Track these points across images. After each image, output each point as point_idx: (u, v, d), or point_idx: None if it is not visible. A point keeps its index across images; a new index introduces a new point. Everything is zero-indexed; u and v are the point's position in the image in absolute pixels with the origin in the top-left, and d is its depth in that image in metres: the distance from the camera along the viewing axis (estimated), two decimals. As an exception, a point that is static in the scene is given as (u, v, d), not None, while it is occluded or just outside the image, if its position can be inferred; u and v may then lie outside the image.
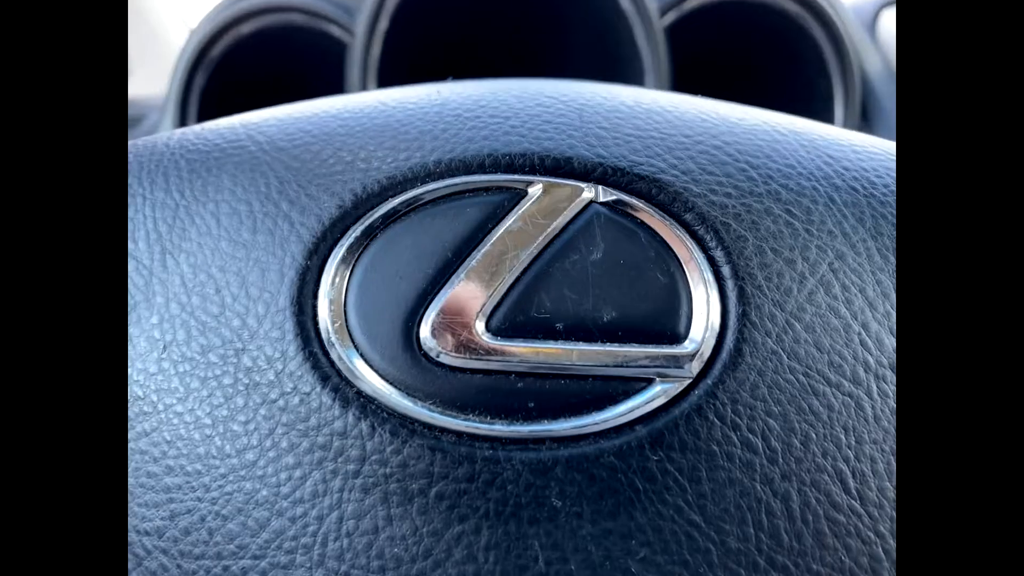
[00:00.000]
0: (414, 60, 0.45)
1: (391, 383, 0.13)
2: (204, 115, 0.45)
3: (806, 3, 0.41)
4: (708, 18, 0.43)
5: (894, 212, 0.16)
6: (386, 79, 0.44)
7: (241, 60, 0.44)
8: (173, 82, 0.45)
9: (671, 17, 0.42)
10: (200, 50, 0.42)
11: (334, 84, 0.45)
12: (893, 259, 0.15)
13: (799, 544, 0.13)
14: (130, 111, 0.62)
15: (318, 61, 0.44)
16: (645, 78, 0.42)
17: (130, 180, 0.16)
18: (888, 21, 0.46)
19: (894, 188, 0.16)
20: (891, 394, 0.14)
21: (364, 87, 0.42)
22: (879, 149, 0.17)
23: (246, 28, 0.42)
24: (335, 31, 0.43)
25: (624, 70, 0.44)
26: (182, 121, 0.44)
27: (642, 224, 0.14)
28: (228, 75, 0.44)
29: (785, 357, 0.13)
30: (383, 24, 0.41)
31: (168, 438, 0.14)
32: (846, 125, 0.43)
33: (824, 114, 0.44)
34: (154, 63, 0.70)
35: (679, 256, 0.14)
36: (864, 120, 0.44)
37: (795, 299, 0.14)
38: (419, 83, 0.38)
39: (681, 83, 0.49)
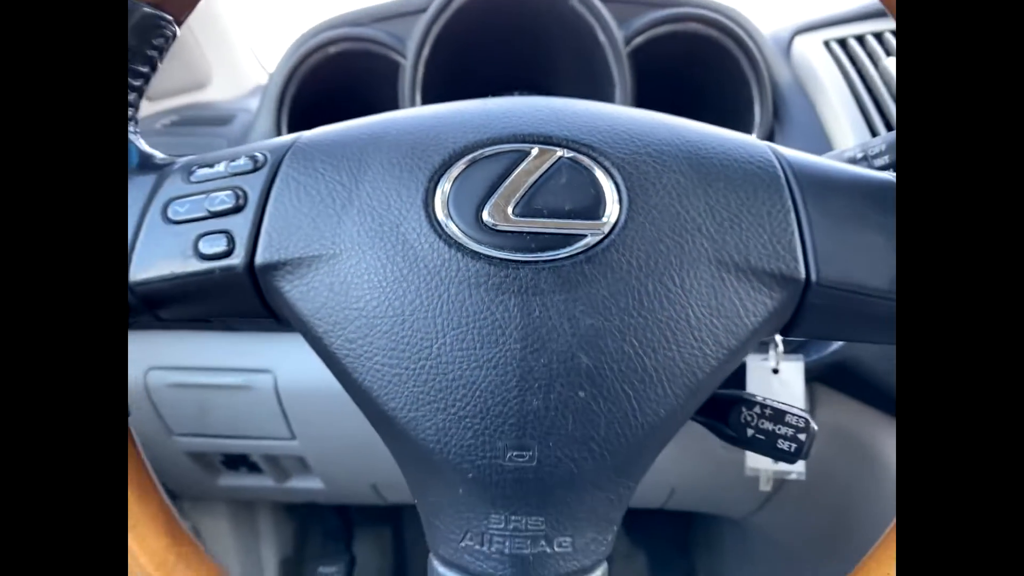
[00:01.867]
0: (447, 77, 0.61)
1: (469, 237, 0.29)
2: (293, 117, 0.61)
3: (729, 33, 0.57)
4: (660, 45, 0.59)
5: (709, 161, 0.31)
6: (428, 88, 0.60)
7: (323, 74, 0.60)
8: (269, 92, 0.61)
9: (634, 45, 0.58)
10: (294, 67, 0.58)
11: (388, 93, 0.61)
12: (704, 184, 0.30)
13: (665, 306, 0.28)
14: (217, 112, 0.78)
15: (379, 75, 0.60)
16: (616, 90, 0.58)
17: (318, 154, 0.30)
18: (799, 44, 0.62)
19: (716, 152, 0.31)
20: (703, 241, 0.29)
21: (413, 95, 0.58)
22: (718, 134, 0.32)
23: (331, 50, 0.58)
24: (393, 55, 0.59)
25: (601, 82, 0.60)
26: (278, 122, 0.60)
27: (584, 167, 0.29)
28: (312, 86, 0.60)
29: (649, 226, 0.29)
30: (426, 52, 0.57)
31: (359, 270, 0.29)
32: (761, 124, 0.59)
33: (747, 115, 0.60)
34: (228, 71, 0.85)
35: (599, 180, 0.29)
36: (776, 119, 0.59)
37: (654, 200, 0.29)
38: (452, 92, 0.55)
39: (643, 93, 0.65)
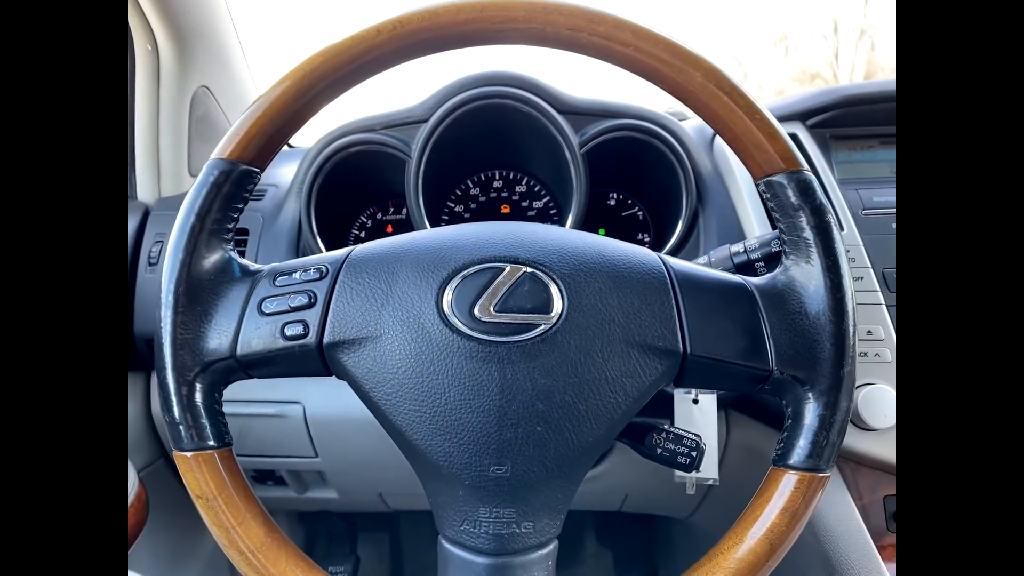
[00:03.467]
0: (443, 166, 0.77)
1: (465, 326, 0.43)
2: (319, 200, 0.76)
3: (658, 137, 0.74)
4: (610, 145, 0.75)
5: (621, 272, 0.47)
6: (428, 176, 0.76)
7: (341, 168, 0.75)
8: (297, 180, 0.76)
9: (588, 147, 0.75)
10: (320, 165, 0.74)
11: (393, 177, 0.77)
12: (618, 289, 0.46)
13: (595, 377, 0.44)
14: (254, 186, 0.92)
15: (388, 167, 0.76)
16: (573, 181, 0.74)
17: (364, 266, 0.46)
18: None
19: (626, 265, 0.47)
20: (617, 328, 0.45)
21: (416, 185, 0.74)
22: (628, 251, 0.48)
23: (351, 150, 0.74)
24: (400, 154, 0.75)
25: (564, 172, 0.76)
26: (308, 201, 0.75)
27: (539, 278, 0.45)
28: (332, 176, 0.76)
29: (582, 318, 0.44)
30: (427, 153, 0.73)
31: (394, 347, 0.45)
32: (687, 208, 0.75)
33: (678, 199, 0.76)
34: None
35: (550, 287, 0.44)
36: (700, 203, 0.76)
37: (585, 301, 0.45)
38: (447, 175, 0.72)
39: (600, 180, 0.82)
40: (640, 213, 0.88)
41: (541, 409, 0.42)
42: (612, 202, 0.88)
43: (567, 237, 0.47)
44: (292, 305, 0.43)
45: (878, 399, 0.62)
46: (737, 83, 0.46)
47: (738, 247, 0.58)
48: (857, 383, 0.63)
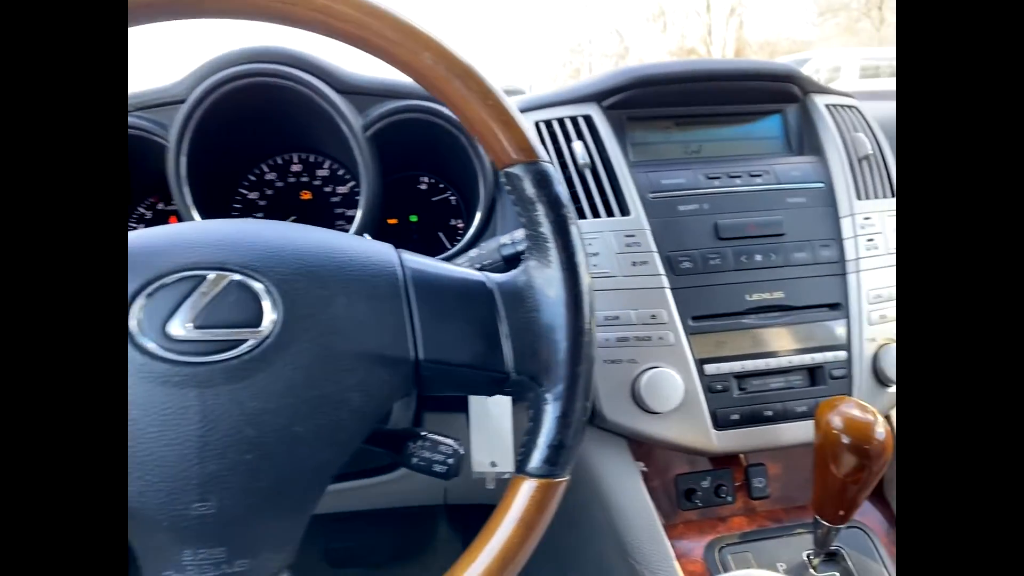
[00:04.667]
0: (218, 156, 0.69)
1: (156, 346, 0.38)
2: None
3: (447, 119, 0.70)
4: (401, 128, 0.71)
5: (349, 274, 0.43)
6: (195, 164, 0.68)
7: None
8: None
9: (374, 129, 0.70)
10: None
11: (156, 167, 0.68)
12: (344, 294, 0.42)
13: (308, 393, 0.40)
14: None
15: (149, 155, 0.67)
16: (359, 167, 0.69)
17: None
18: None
19: (355, 266, 0.43)
20: (342, 339, 0.41)
21: (178, 172, 0.66)
22: (359, 248, 0.44)
23: None
24: (157, 139, 0.66)
25: (351, 156, 0.71)
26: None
27: (248, 286, 0.39)
28: None
29: (300, 330, 0.40)
30: (188, 136, 0.65)
31: None
32: (485, 195, 0.72)
33: (476, 183, 0.73)
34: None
35: (260, 296, 0.40)
36: (498, 189, 0.73)
37: (304, 309, 0.41)
38: (223, 164, 0.64)
39: (395, 164, 0.77)
40: (453, 198, 0.85)
41: (251, 436, 0.37)
42: (423, 187, 0.84)
43: (289, 236, 0.42)
44: None
45: (661, 382, 0.62)
46: (471, 66, 0.43)
47: (507, 238, 0.56)
48: (642, 367, 0.63)
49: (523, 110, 0.74)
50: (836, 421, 0.54)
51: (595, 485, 0.67)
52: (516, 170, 0.43)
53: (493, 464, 0.65)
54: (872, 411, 0.54)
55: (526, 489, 0.41)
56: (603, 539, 0.68)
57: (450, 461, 0.48)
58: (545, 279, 0.43)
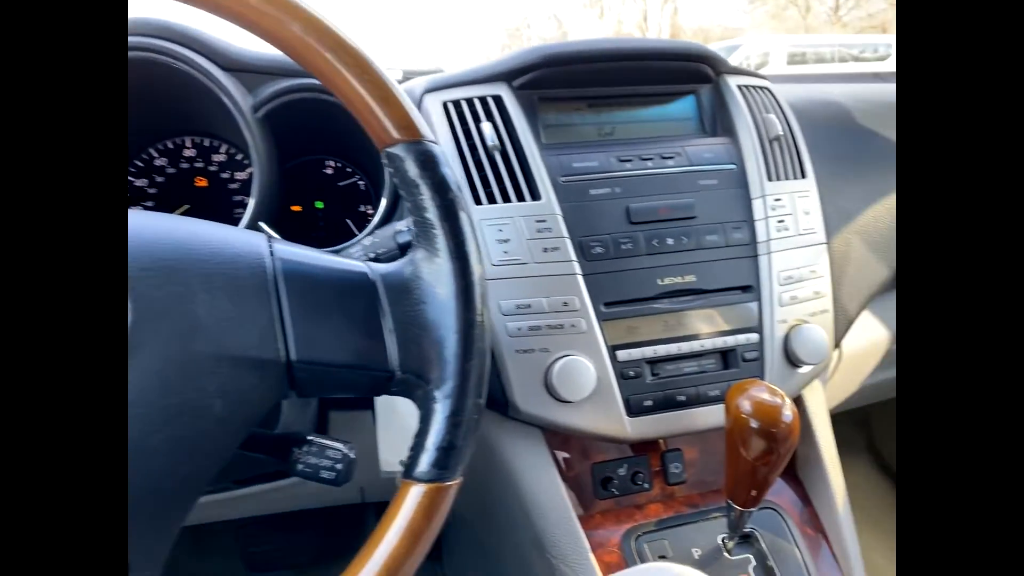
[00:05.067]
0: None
1: None
2: None
3: None
4: (295, 108, 0.66)
5: (212, 268, 0.38)
6: None
7: None
8: None
9: (266, 110, 0.65)
10: None
11: None
12: (205, 290, 0.38)
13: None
14: None
15: None
16: (250, 149, 0.64)
17: None
18: (428, 102, 0.72)
19: (219, 259, 0.39)
20: (202, 341, 0.37)
21: None
22: (225, 239, 0.40)
23: None
24: None
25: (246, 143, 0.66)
26: None
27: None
28: None
29: (154, 331, 0.36)
30: None
31: None
32: (389, 177, 0.69)
33: (381, 167, 0.69)
34: None
35: None
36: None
37: (159, 306, 0.36)
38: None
39: (292, 148, 0.72)
40: (362, 183, 0.80)
41: None
42: (329, 171, 0.80)
43: (143, 226, 0.38)
44: None
45: (573, 371, 0.61)
46: (345, 36, 0.39)
47: (403, 225, 0.53)
48: (554, 356, 0.62)
49: (431, 90, 0.71)
50: (745, 405, 0.53)
51: (510, 478, 0.65)
52: (397, 150, 0.40)
53: (402, 463, 0.62)
54: (780, 394, 0.54)
55: (413, 495, 0.38)
56: (520, 533, 0.66)
57: (339, 466, 0.45)
58: (432, 269, 0.40)
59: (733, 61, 0.80)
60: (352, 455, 0.45)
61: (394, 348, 0.39)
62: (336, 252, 0.51)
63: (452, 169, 0.41)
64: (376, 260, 0.51)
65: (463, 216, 0.40)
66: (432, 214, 0.40)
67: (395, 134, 0.40)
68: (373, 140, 0.41)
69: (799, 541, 0.65)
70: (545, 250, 0.63)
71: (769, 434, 0.52)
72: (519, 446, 0.65)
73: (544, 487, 0.63)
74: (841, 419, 1.67)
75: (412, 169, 0.40)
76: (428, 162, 0.40)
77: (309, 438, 0.45)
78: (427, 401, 0.40)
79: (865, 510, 1.47)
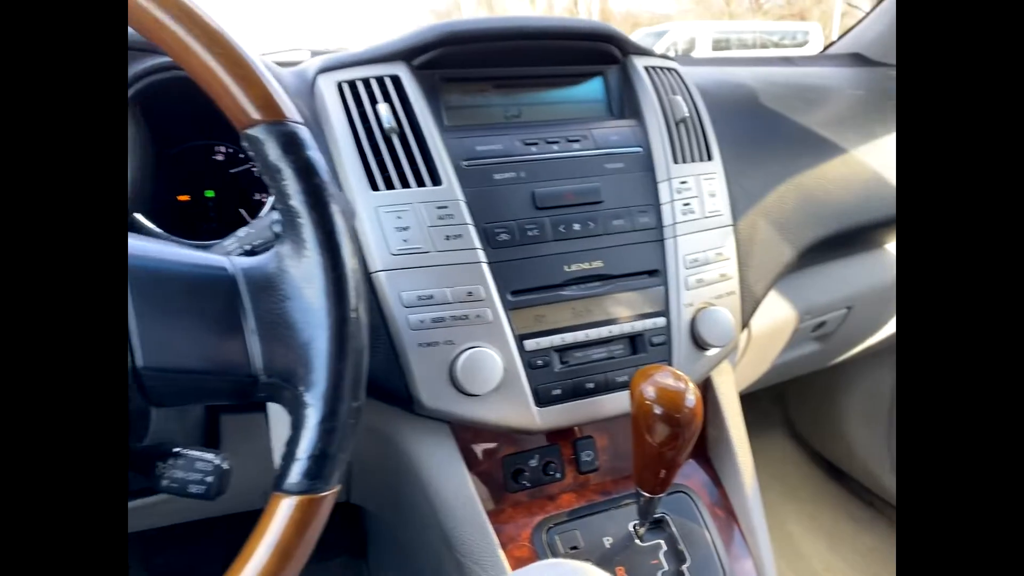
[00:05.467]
0: None
1: None
2: None
3: None
4: (168, 88, 0.61)
5: None
6: None
7: None
8: None
9: (134, 90, 0.59)
10: None
11: None
12: None
13: None
14: None
15: None
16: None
17: None
18: (321, 83, 0.67)
19: None
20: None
21: None
22: None
23: None
24: None
25: None
26: None
27: None
28: None
29: None
30: None
31: None
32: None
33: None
34: None
35: None
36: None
37: None
38: None
39: (175, 136, 0.67)
40: (255, 168, 0.75)
41: None
42: (220, 157, 0.74)
43: None
44: None
45: (479, 363, 0.58)
46: (193, 7, 0.35)
47: (271, 216, 0.49)
48: (459, 348, 0.59)
49: (325, 70, 0.66)
50: (649, 391, 0.53)
51: (417, 476, 0.62)
52: (257, 132, 0.36)
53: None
54: (684, 379, 0.53)
55: (284, 509, 0.35)
56: (430, 531, 0.64)
57: (209, 479, 0.41)
58: (299, 262, 0.37)
59: (661, 46, 0.80)
60: (225, 465, 0.41)
61: (257, 350, 0.36)
62: (206, 247, 0.47)
63: (319, 153, 0.37)
64: (252, 253, 0.47)
65: (332, 203, 0.37)
66: (297, 201, 0.36)
67: (254, 114, 0.36)
68: (232, 121, 0.37)
69: (709, 523, 0.66)
70: (447, 238, 0.60)
71: (673, 419, 0.52)
72: (426, 443, 0.62)
73: (452, 484, 0.61)
74: (759, 395, 1.73)
75: (273, 152, 0.36)
76: (291, 144, 0.36)
77: (176, 450, 0.41)
78: (297, 406, 0.36)
79: (782, 480, 1.53)
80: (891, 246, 0.96)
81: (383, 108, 0.63)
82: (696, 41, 8.25)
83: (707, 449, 0.73)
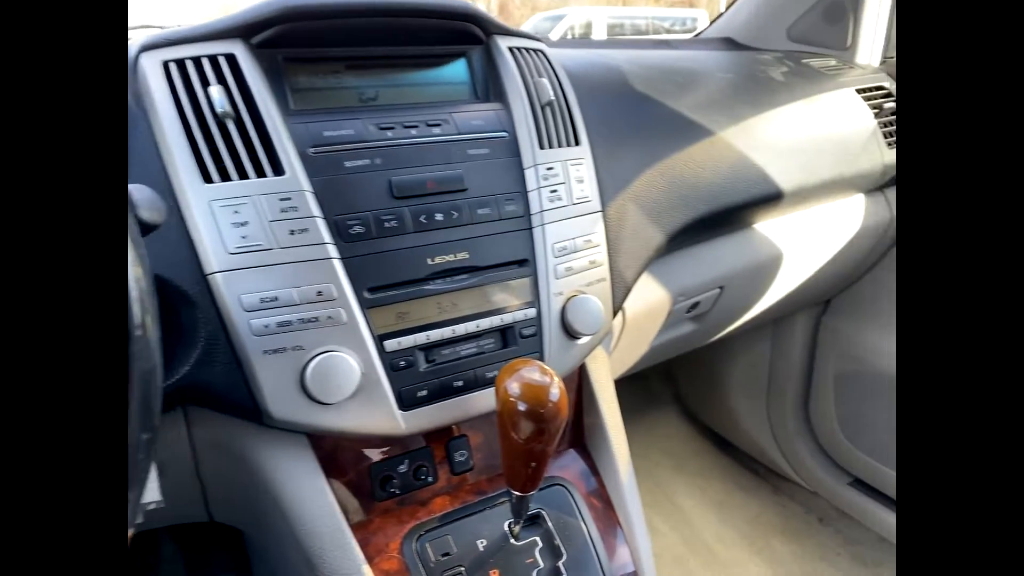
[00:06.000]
0: None
1: None
2: None
3: None
4: None
5: None
6: None
7: None
8: None
9: None
10: None
11: None
12: None
13: None
14: None
15: None
16: None
17: None
18: (145, 62, 0.60)
19: None
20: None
21: None
22: None
23: None
24: None
25: None
26: None
27: None
28: None
29: None
30: None
31: None
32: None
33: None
34: None
35: None
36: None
37: None
38: None
39: None
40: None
41: None
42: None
43: None
44: None
45: (332, 369, 0.54)
46: None
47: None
48: (310, 353, 0.54)
49: (150, 47, 0.59)
50: (513, 387, 0.50)
51: (272, 492, 0.57)
52: None
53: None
54: (549, 372, 0.51)
55: None
56: (291, 550, 0.59)
57: None
58: None
59: (558, 30, 0.77)
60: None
61: None
62: None
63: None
64: None
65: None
66: None
67: None
68: None
69: (585, 514, 0.65)
70: (292, 232, 0.55)
71: (537, 415, 0.50)
72: (280, 457, 0.57)
73: (310, 498, 0.57)
74: (648, 375, 1.77)
75: None
76: None
77: None
78: None
79: (674, 456, 1.58)
80: (760, 226, 0.99)
81: (215, 90, 0.56)
82: (592, 25, 8.38)
83: (584, 438, 0.73)
